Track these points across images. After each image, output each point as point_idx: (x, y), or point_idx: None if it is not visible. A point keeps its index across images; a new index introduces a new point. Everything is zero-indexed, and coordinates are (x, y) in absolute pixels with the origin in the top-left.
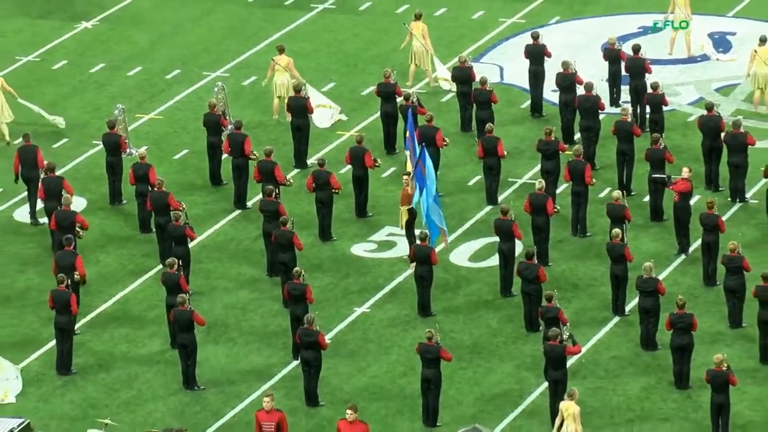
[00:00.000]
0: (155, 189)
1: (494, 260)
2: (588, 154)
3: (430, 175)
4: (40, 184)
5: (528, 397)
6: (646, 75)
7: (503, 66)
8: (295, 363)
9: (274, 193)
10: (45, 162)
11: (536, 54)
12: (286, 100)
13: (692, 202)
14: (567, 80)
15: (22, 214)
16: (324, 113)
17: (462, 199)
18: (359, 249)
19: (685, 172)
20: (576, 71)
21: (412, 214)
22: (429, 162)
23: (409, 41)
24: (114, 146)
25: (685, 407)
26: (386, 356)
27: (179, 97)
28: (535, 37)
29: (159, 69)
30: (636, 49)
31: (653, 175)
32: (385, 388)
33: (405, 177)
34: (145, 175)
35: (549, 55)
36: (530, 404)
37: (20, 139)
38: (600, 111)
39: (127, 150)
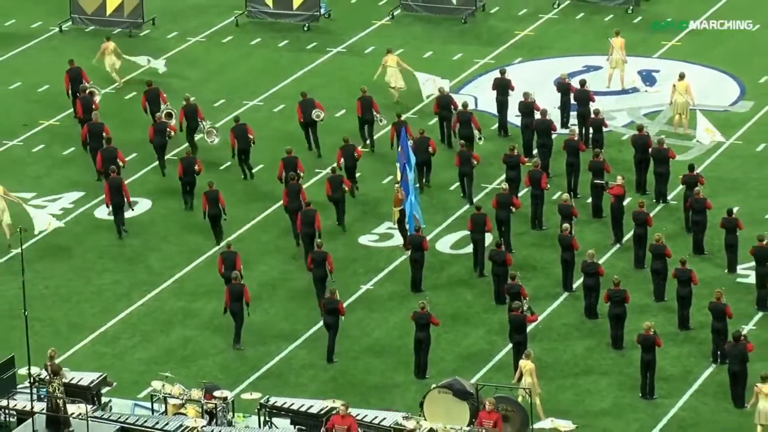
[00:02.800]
0: (209, 188)
1: (470, 248)
2: (543, 165)
3: (412, 185)
4: (84, 127)
5: (496, 355)
6: (590, 103)
7: (477, 96)
8: (315, 328)
9: (297, 177)
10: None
11: (503, 86)
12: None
13: (625, 203)
14: (527, 107)
15: (101, 213)
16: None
17: (444, 200)
18: (365, 240)
19: (619, 180)
20: (534, 100)
21: (403, 213)
22: (410, 174)
23: (381, 72)
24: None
25: (619, 364)
26: (386, 323)
27: (224, 121)
28: (503, 72)
29: (208, 99)
30: (582, 82)
31: (594, 182)
32: (386, 347)
33: (396, 185)
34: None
35: (513, 88)
36: (498, 361)
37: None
38: (553, 131)
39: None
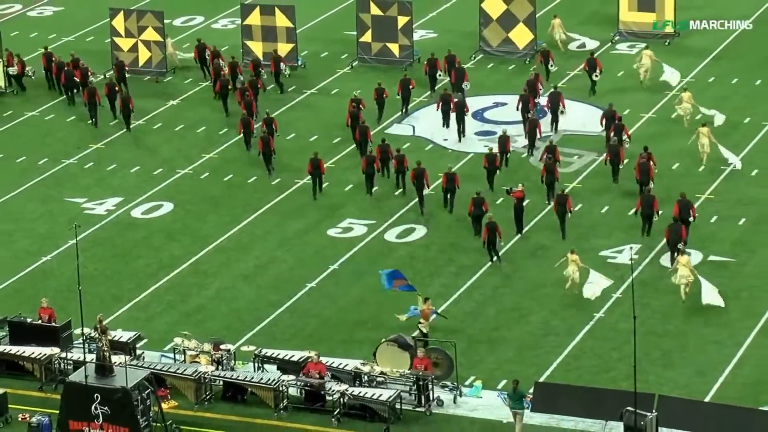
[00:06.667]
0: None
1: (409, 238)
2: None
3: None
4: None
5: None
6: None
7: (415, 125)
8: (295, 297)
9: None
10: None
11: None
12: None
13: (525, 203)
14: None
15: (136, 213)
16: None
17: (390, 206)
18: (332, 232)
19: (520, 186)
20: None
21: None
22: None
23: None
24: None
25: (520, 324)
26: (348, 294)
27: (226, 144)
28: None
29: (215, 128)
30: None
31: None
32: (349, 312)
33: (428, 300)
34: None
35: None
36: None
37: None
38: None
39: None
